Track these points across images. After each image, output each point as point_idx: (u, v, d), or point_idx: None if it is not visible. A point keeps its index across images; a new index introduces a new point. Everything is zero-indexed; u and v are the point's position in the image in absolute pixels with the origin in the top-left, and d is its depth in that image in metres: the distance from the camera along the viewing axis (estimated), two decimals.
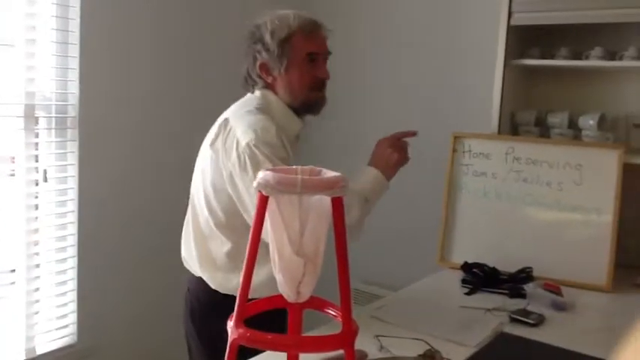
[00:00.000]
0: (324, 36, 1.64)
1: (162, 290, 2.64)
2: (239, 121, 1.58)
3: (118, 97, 2.45)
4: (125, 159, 2.50)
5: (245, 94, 1.71)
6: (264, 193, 1.03)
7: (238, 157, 1.52)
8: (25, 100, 2.18)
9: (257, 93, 1.67)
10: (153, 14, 2.54)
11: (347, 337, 1.04)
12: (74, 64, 2.29)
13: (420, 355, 1.01)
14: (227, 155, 1.55)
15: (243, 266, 1.08)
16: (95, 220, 2.41)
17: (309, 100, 1.63)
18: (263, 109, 1.61)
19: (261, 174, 1.04)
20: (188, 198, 1.77)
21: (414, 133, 1.76)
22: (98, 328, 2.47)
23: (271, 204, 1.05)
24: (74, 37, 2.28)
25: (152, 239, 2.59)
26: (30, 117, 2.19)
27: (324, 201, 1.05)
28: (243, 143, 1.52)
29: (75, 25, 2.27)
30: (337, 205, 1.03)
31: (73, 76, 2.30)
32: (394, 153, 1.70)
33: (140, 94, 2.53)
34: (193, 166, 1.75)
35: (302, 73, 1.59)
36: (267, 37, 1.58)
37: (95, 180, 2.40)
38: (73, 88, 2.31)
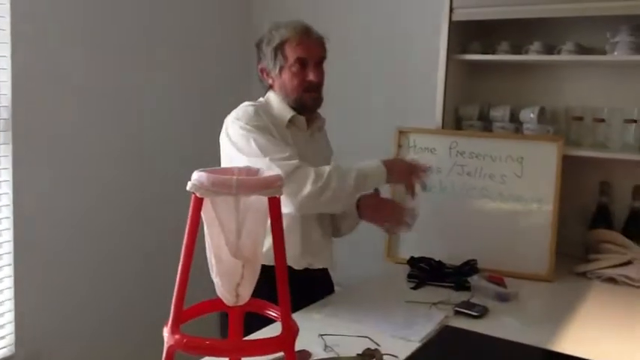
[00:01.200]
0: (316, 43, 1.85)
1: (102, 296, 2.58)
2: (232, 112, 1.82)
3: (52, 97, 2.35)
4: (62, 161, 2.41)
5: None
6: (198, 195, 1.00)
7: (226, 135, 1.77)
8: None
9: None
10: (86, 12, 2.46)
11: (286, 338, 1.03)
12: (5, 63, 2.20)
13: (359, 355, 0.99)
14: (221, 141, 1.80)
15: (178, 272, 1.05)
16: (31, 226, 2.32)
17: (302, 100, 1.83)
18: (260, 103, 1.86)
19: (195, 175, 1.02)
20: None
21: (425, 169, 1.91)
22: (37, 338, 2.38)
23: (207, 206, 1.02)
24: (4, 35, 2.18)
25: (90, 244, 2.52)
26: None
27: (262, 201, 1.03)
28: (227, 122, 1.80)
29: (5, 24, 2.18)
30: (274, 205, 1.01)
31: (5, 76, 2.20)
32: (407, 166, 1.90)
33: (76, 94, 2.44)
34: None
35: (292, 76, 1.81)
36: (264, 45, 1.84)
37: (31, 184, 2.31)
38: (5, 89, 2.21)
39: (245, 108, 1.81)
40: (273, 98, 1.88)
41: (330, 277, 2.03)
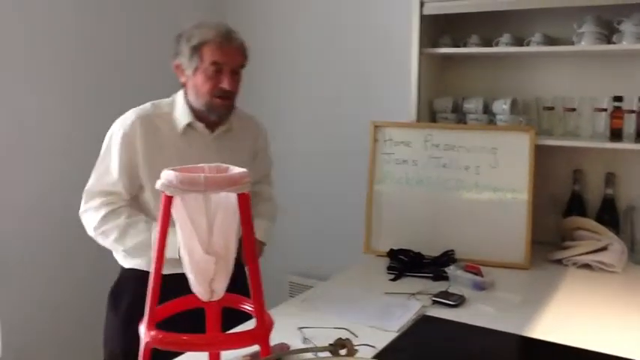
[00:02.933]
0: (237, 49, 1.76)
1: (85, 295, 2.58)
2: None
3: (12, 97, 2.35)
4: (26, 162, 2.42)
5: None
6: (167, 193, 1.02)
7: None
8: None
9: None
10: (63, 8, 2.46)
11: (260, 332, 1.05)
12: None
13: (330, 344, 1.02)
14: None
15: (151, 270, 1.06)
16: (11, 231, 2.32)
17: (212, 105, 1.75)
18: (158, 106, 1.81)
19: (164, 173, 1.03)
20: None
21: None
22: (22, 342, 2.38)
23: (177, 204, 1.04)
24: None
25: (69, 247, 2.51)
26: None
27: (231, 198, 1.05)
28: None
29: None
30: (243, 201, 1.03)
31: None
32: None
33: (38, 92, 2.43)
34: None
35: (206, 79, 1.73)
36: (184, 41, 1.75)
37: (8, 187, 2.31)
38: None
39: (129, 115, 1.77)
40: (179, 99, 1.82)
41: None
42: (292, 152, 3.02)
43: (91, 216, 1.73)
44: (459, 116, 2.47)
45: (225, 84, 1.73)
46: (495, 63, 2.50)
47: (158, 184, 1.01)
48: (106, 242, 1.74)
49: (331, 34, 2.88)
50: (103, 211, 1.71)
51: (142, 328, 1.06)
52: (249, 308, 1.17)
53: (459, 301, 1.76)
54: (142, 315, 1.54)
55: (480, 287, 1.90)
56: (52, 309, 2.50)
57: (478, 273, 1.95)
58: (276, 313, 1.17)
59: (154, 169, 1.61)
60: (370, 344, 1.43)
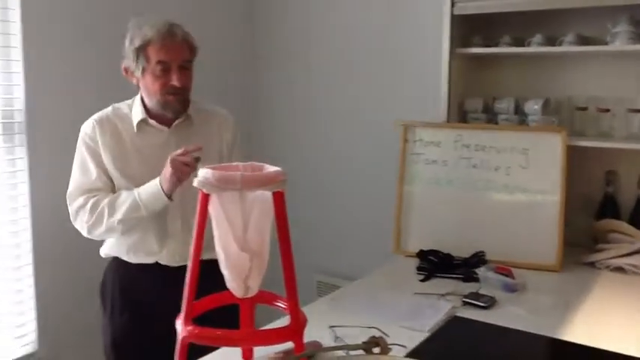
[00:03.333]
0: (182, 45, 1.75)
1: None
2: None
3: (65, 98, 2.40)
4: None
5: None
6: (205, 191, 1.04)
7: None
8: None
9: None
10: (95, 13, 2.50)
11: (294, 329, 1.06)
12: (18, 67, 2.25)
13: (364, 342, 1.03)
14: None
15: (189, 266, 1.08)
16: (49, 226, 2.37)
17: (165, 103, 1.77)
18: (124, 104, 1.86)
19: (201, 172, 1.05)
20: None
21: (199, 148, 1.71)
22: (59, 335, 2.43)
23: (214, 201, 1.06)
24: (16, 40, 2.23)
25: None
26: None
27: (266, 196, 1.06)
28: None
29: (16, 28, 2.23)
30: (278, 199, 1.04)
31: (18, 80, 2.25)
32: (169, 168, 1.68)
33: (88, 94, 2.48)
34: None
35: (154, 79, 1.73)
36: (127, 44, 1.76)
37: (47, 185, 2.35)
38: (18, 93, 2.26)
39: (90, 119, 1.84)
40: (137, 99, 1.86)
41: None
42: (322, 152, 3.04)
43: (80, 216, 1.78)
44: (490, 116, 2.45)
45: (174, 81, 1.73)
46: (527, 63, 2.48)
47: (195, 182, 1.03)
48: (101, 229, 1.76)
49: (362, 34, 2.88)
50: (89, 204, 1.76)
51: (179, 324, 1.08)
52: (283, 306, 1.18)
53: (489, 303, 1.76)
54: (123, 306, 1.59)
55: (511, 289, 1.88)
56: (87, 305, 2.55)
57: (509, 275, 1.94)
58: (306, 312, 1.18)
59: (118, 166, 1.79)
60: (401, 344, 1.43)
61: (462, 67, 2.45)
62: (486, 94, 2.51)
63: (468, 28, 2.43)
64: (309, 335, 1.33)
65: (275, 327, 1.14)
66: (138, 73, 1.76)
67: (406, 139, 2.35)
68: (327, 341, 1.45)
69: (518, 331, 1.59)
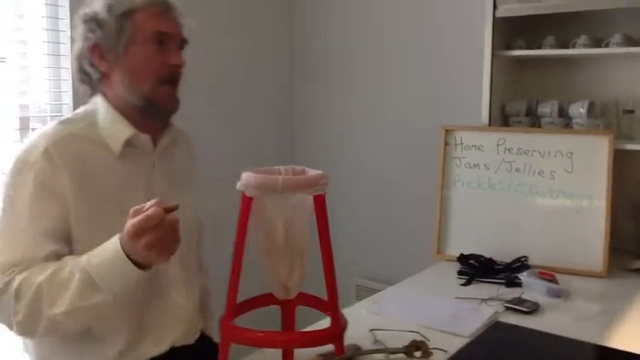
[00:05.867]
0: (178, 21, 1.32)
1: None
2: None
3: None
4: None
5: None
6: (247, 194, 1.05)
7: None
8: (19, 113, 2.20)
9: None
10: None
11: (335, 332, 1.07)
12: (66, 75, 2.32)
13: (405, 346, 1.03)
14: None
15: (231, 268, 1.10)
16: None
17: (155, 95, 1.28)
18: (74, 121, 1.32)
19: (244, 175, 1.07)
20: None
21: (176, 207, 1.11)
22: None
23: (255, 205, 1.07)
24: (65, 48, 2.30)
25: None
26: (25, 129, 2.22)
27: (307, 199, 1.08)
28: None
29: (66, 37, 2.30)
30: (319, 202, 1.05)
31: (66, 86, 2.33)
32: (151, 235, 1.07)
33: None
34: None
35: (147, 55, 1.26)
36: (103, 12, 1.27)
37: None
38: (67, 99, 2.33)
39: (35, 140, 1.23)
40: (102, 107, 1.30)
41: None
42: (362, 154, 3.04)
43: (2, 306, 1.15)
44: (533, 120, 2.42)
45: (174, 59, 1.29)
46: (571, 65, 2.43)
47: (238, 185, 1.05)
48: (39, 326, 1.13)
49: (402, 36, 2.87)
50: (13, 285, 1.13)
51: (221, 324, 1.10)
52: (324, 308, 1.19)
53: (532, 308, 1.73)
54: None
55: (555, 295, 1.85)
56: None
57: (553, 280, 1.91)
58: (345, 315, 1.18)
59: (91, 220, 1.19)
60: (442, 348, 1.43)
61: (504, 70, 2.42)
62: (529, 97, 2.47)
63: (510, 30, 2.40)
64: (348, 338, 1.34)
65: (316, 329, 1.14)
66: (116, 52, 1.26)
67: (447, 142, 2.33)
68: (367, 345, 1.45)
69: (563, 337, 1.56)
